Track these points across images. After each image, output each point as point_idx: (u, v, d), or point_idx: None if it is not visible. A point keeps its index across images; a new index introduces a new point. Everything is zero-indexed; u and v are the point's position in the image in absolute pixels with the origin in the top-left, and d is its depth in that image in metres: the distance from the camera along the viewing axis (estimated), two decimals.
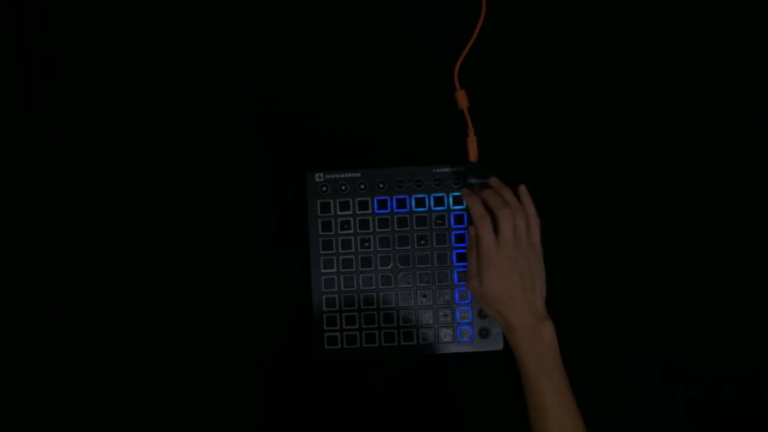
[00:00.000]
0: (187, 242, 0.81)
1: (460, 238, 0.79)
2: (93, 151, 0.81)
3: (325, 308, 0.79)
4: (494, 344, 0.79)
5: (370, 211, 0.79)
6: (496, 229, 0.72)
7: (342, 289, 0.79)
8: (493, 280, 0.71)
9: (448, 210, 0.79)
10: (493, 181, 0.77)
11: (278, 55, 0.81)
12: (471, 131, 0.80)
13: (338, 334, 0.79)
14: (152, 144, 0.82)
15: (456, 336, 0.79)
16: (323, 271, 0.79)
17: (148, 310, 0.81)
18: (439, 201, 0.79)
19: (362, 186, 0.79)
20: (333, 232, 0.79)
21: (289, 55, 0.81)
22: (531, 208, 0.74)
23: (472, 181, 0.78)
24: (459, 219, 0.79)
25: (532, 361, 0.70)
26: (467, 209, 0.76)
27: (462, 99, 0.80)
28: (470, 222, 0.75)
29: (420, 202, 0.79)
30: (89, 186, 0.81)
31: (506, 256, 0.71)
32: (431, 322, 0.79)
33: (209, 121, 0.81)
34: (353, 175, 0.80)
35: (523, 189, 0.75)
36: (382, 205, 0.79)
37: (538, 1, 0.81)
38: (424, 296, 0.79)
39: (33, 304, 0.81)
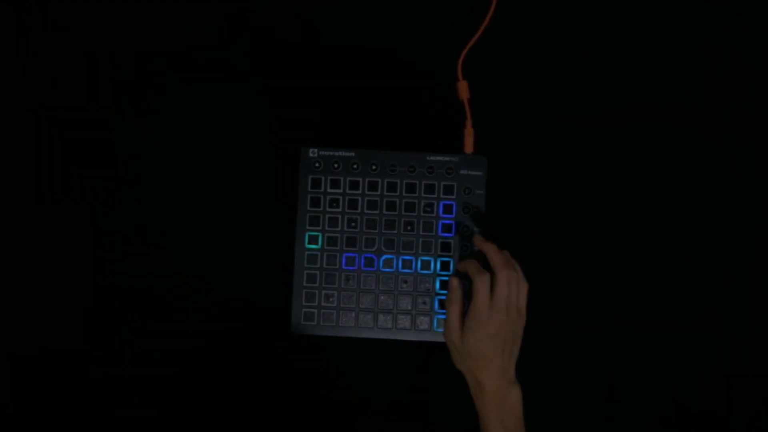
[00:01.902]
0: (177, 216, 0.81)
1: (447, 228, 0.79)
2: (90, 129, 0.82)
3: (305, 283, 0.79)
4: None
5: (360, 192, 0.79)
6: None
7: (324, 266, 0.79)
8: (477, 339, 0.70)
9: (438, 198, 0.79)
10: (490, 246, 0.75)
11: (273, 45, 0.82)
12: (469, 123, 0.80)
13: (316, 310, 0.79)
14: (151, 123, 0.82)
15: (433, 325, 0.79)
16: (307, 246, 0.79)
17: (137, 286, 0.81)
18: (429, 188, 0.79)
19: (355, 166, 0.79)
20: (321, 209, 0.79)
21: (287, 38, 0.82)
22: (520, 273, 0.73)
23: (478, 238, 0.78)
24: (447, 209, 0.79)
25: (496, 423, 0.69)
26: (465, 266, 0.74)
27: (463, 90, 0.80)
28: (454, 273, 0.76)
29: (410, 188, 0.79)
30: (84, 172, 0.82)
31: (496, 318, 0.70)
32: (409, 308, 0.79)
33: (211, 118, 0.82)
34: (347, 154, 0.80)
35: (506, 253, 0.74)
36: (373, 186, 0.79)
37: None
38: (405, 282, 0.79)
39: (34, 297, 0.82)
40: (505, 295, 0.70)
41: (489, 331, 0.70)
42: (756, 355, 0.81)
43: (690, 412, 0.81)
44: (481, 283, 0.70)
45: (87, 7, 0.82)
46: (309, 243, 0.79)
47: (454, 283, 0.73)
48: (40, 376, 0.81)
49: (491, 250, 0.73)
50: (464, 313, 0.72)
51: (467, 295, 0.72)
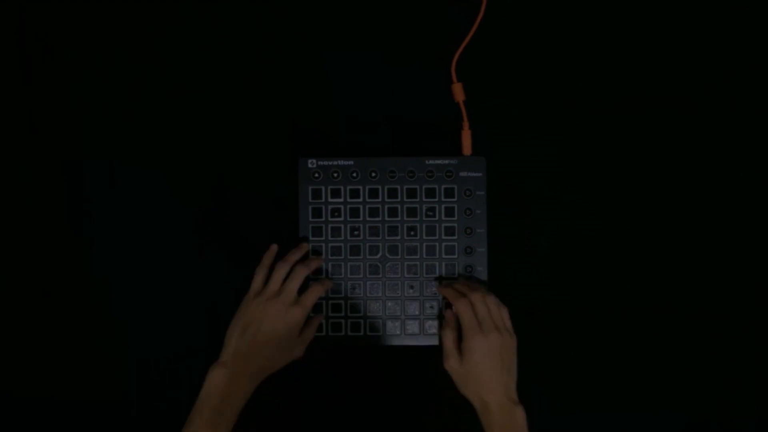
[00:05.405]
0: (176, 229, 0.81)
1: (450, 231, 0.79)
2: (84, 134, 0.82)
3: None
4: None
5: (361, 200, 0.79)
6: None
7: (329, 276, 0.79)
8: (476, 359, 0.72)
9: (439, 201, 0.79)
10: (461, 279, 0.79)
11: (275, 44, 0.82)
12: (466, 125, 0.80)
13: (324, 321, 0.79)
14: (147, 130, 0.81)
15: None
16: (311, 257, 0.79)
17: (134, 295, 0.81)
18: (430, 192, 0.79)
19: (354, 174, 0.79)
20: (323, 219, 0.79)
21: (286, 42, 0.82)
22: (495, 298, 0.75)
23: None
24: (449, 211, 0.79)
25: None
26: (444, 298, 0.78)
27: (458, 92, 0.80)
28: (446, 307, 0.78)
29: (411, 193, 0.79)
30: (77, 174, 0.82)
31: (487, 336, 0.72)
32: (417, 313, 0.79)
33: (210, 116, 0.82)
34: (346, 163, 0.79)
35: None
36: (374, 194, 0.79)
37: None
38: (411, 287, 0.79)
39: (23, 288, 0.82)
40: (486, 313, 0.73)
41: (484, 350, 0.72)
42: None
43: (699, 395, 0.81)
44: (463, 306, 0.73)
45: (88, 8, 0.81)
46: (313, 254, 0.79)
47: (448, 314, 0.76)
48: (40, 380, 0.81)
49: (457, 285, 0.76)
50: (458, 339, 0.74)
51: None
